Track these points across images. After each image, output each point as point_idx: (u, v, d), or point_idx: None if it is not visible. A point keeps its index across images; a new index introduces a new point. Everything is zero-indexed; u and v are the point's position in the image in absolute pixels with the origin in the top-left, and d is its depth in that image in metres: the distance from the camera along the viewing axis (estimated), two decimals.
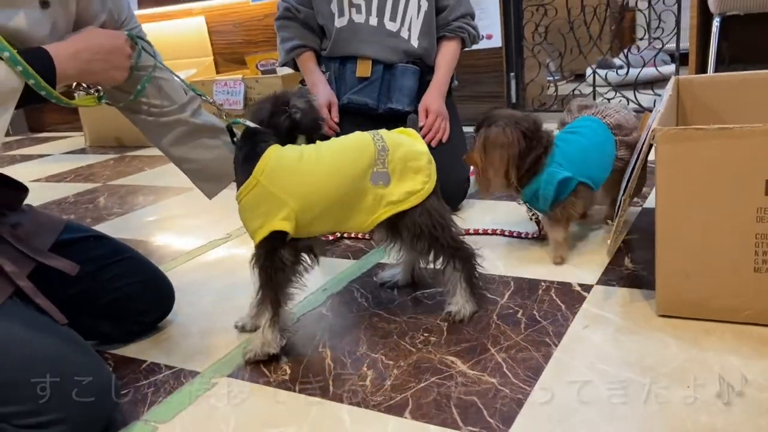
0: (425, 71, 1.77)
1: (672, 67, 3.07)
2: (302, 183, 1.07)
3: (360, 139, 1.13)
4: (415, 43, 1.76)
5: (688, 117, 1.51)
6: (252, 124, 1.10)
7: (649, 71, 2.92)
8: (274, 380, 1.06)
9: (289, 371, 1.08)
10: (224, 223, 1.89)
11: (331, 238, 1.65)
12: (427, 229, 1.13)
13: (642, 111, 2.51)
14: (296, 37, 1.80)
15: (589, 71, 2.99)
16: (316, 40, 1.83)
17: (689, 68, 2.56)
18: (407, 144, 1.14)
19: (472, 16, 1.84)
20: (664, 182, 1.04)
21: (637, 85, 2.79)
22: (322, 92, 1.76)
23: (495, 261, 1.42)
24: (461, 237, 1.20)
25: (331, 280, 1.43)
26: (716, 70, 2.40)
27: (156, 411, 1.02)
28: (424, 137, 1.54)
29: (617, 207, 1.12)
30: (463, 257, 1.18)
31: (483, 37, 2.35)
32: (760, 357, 0.97)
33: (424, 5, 1.74)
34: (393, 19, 1.74)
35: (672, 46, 2.71)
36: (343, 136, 1.15)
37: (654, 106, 2.46)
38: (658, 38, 2.73)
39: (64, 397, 0.88)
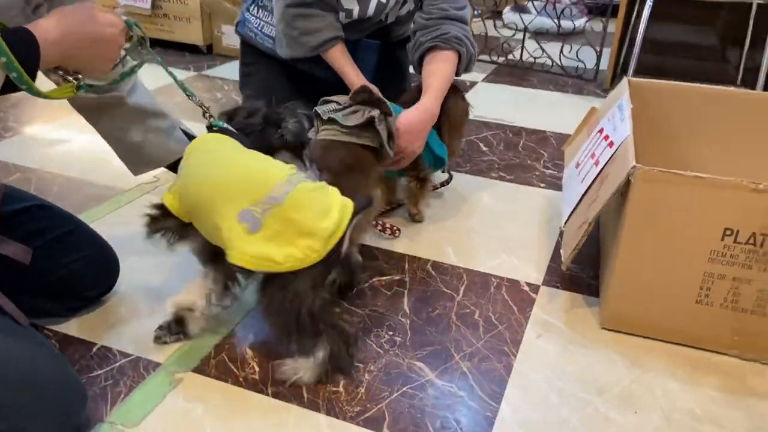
0: (384, 46, 1.70)
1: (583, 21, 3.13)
2: (191, 167, 1.06)
3: (272, 173, 1.02)
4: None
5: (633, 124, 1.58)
6: (233, 130, 1.05)
7: (568, 23, 3.00)
8: (244, 379, 1.05)
9: (257, 369, 1.07)
10: None
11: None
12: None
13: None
14: (324, 28, 1.54)
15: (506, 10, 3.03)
16: (340, 23, 1.58)
17: (617, 21, 2.61)
18: (311, 211, 0.98)
19: (464, 21, 1.56)
20: (633, 213, 1.11)
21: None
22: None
23: (446, 248, 1.45)
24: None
25: None
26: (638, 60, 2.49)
27: (121, 411, 0.98)
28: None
29: (581, 236, 1.17)
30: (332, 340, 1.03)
31: None
32: (694, 383, 1.09)
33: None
34: None
35: None
36: (274, 160, 1.09)
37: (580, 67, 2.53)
38: None
39: (38, 415, 0.83)
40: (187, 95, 1.14)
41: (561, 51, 2.78)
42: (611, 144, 1.29)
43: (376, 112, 1.29)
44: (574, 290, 1.33)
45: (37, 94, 0.84)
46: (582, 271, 1.39)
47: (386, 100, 1.32)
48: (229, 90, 2.50)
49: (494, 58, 2.95)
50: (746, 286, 1.09)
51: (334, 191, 1.03)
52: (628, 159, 1.12)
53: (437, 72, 1.50)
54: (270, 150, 1.14)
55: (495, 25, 3.16)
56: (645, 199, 1.09)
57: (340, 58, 1.57)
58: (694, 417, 1.02)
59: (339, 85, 1.65)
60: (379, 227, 1.47)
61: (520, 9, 3.23)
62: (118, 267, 1.22)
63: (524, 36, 2.86)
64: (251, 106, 1.19)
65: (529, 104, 2.48)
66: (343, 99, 1.34)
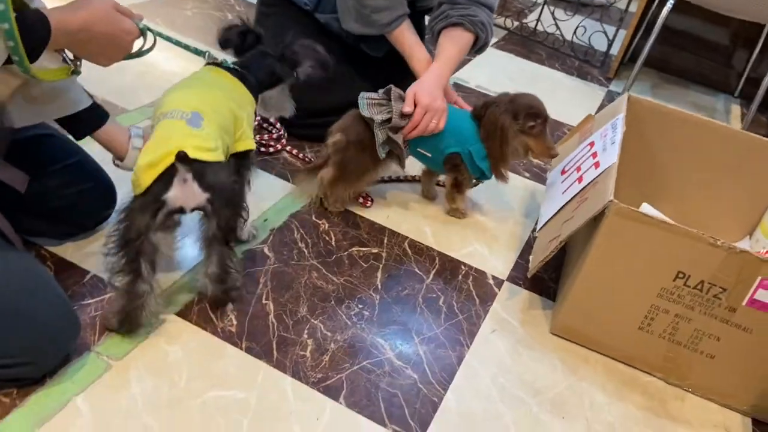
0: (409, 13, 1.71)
1: None
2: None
3: (191, 101, 1.10)
4: None
5: (624, 140, 1.65)
6: (239, 69, 1.20)
7: None
8: (221, 330, 1.15)
9: (235, 322, 1.17)
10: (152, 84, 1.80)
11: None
12: None
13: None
14: (393, 5, 1.52)
15: None
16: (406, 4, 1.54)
17: (639, 2, 2.60)
18: (150, 144, 1.03)
19: (493, 8, 1.61)
20: (602, 242, 1.20)
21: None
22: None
23: (424, 228, 1.54)
24: None
25: (272, 209, 1.48)
26: (650, 49, 2.52)
27: (108, 344, 1.07)
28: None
29: (550, 251, 1.26)
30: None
31: None
32: (620, 399, 1.22)
33: None
34: None
35: None
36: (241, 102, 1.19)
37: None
38: None
39: (32, 338, 0.91)
40: (197, 54, 1.20)
41: (575, 30, 2.78)
42: (597, 164, 1.37)
43: (381, 117, 1.38)
44: (534, 290, 1.43)
45: (28, 72, 0.89)
46: (545, 272, 1.49)
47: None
48: (241, 11, 2.49)
49: (508, 24, 2.94)
50: (685, 323, 1.21)
51: (194, 137, 1.03)
52: (607, 190, 1.20)
53: (454, 44, 1.56)
54: (279, 81, 1.27)
55: None
56: (615, 232, 1.18)
57: (408, 37, 1.57)
58: (612, 430, 1.15)
59: (354, 44, 1.68)
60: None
61: None
62: (116, 199, 1.28)
63: (543, 5, 2.85)
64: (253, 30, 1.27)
65: (530, 81, 2.52)
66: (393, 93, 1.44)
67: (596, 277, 1.24)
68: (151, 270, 1.03)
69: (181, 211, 1.03)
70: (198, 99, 1.10)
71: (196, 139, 1.02)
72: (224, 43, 1.25)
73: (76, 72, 1.04)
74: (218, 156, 1.04)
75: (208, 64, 1.22)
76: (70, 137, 1.22)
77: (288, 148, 1.67)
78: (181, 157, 0.97)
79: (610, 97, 2.53)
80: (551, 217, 1.41)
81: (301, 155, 1.69)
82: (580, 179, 1.39)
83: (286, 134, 1.72)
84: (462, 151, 1.46)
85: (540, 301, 1.41)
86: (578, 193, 1.35)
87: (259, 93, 1.26)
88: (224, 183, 1.05)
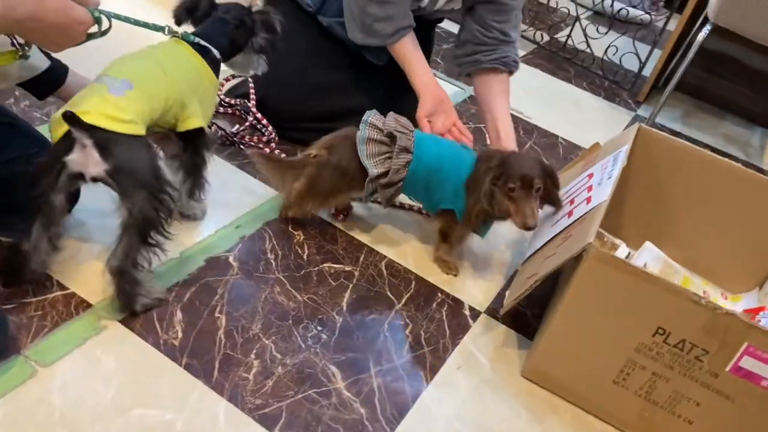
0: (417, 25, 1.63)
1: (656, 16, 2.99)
2: None
3: (137, 69, 1.11)
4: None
5: (630, 171, 1.54)
6: (204, 43, 1.20)
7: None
8: (164, 342, 1.10)
9: (180, 335, 1.12)
10: None
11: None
12: None
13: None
14: (397, 16, 1.46)
15: None
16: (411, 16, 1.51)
17: (678, 21, 2.45)
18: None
19: (517, 41, 1.63)
20: (579, 285, 1.11)
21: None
22: (432, 87, 1.52)
23: (406, 248, 1.46)
24: None
25: (247, 215, 1.43)
26: (684, 72, 2.38)
27: (39, 348, 1.03)
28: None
29: (525, 288, 1.18)
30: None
31: None
32: None
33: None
34: None
35: None
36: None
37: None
38: None
39: None
40: (157, 30, 1.17)
41: (606, 49, 2.66)
42: (589, 200, 1.27)
43: (377, 171, 1.31)
44: (512, 326, 1.35)
45: None
46: (528, 308, 1.40)
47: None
48: None
49: (538, 38, 2.83)
50: (663, 383, 1.11)
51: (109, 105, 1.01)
52: (589, 231, 1.11)
53: (500, 94, 1.60)
54: (238, 50, 1.29)
55: None
56: (592, 277, 1.09)
57: (411, 51, 1.51)
58: None
59: (356, 50, 1.62)
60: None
61: None
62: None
63: (576, 20, 2.72)
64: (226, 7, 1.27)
65: (554, 99, 2.42)
66: (394, 125, 1.35)
67: (572, 322, 1.15)
68: (42, 231, 1.03)
69: (82, 177, 1.00)
70: (135, 69, 1.09)
71: (109, 107, 0.99)
72: (178, 17, 1.24)
73: (24, 56, 1.02)
74: (133, 129, 1.01)
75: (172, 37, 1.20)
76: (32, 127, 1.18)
77: (277, 151, 1.61)
78: (69, 117, 0.95)
79: (637, 122, 2.41)
80: (536, 251, 1.32)
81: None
82: (570, 213, 1.30)
83: (276, 137, 1.66)
84: (457, 208, 1.33)
85: (516, 339, 1.32)
86: (565, 228, 1.26)
87: (221, 63, 1.26)
88: (135, 159, 1.00)
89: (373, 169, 1.31)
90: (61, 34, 0.96)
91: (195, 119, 1.18)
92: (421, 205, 1.52)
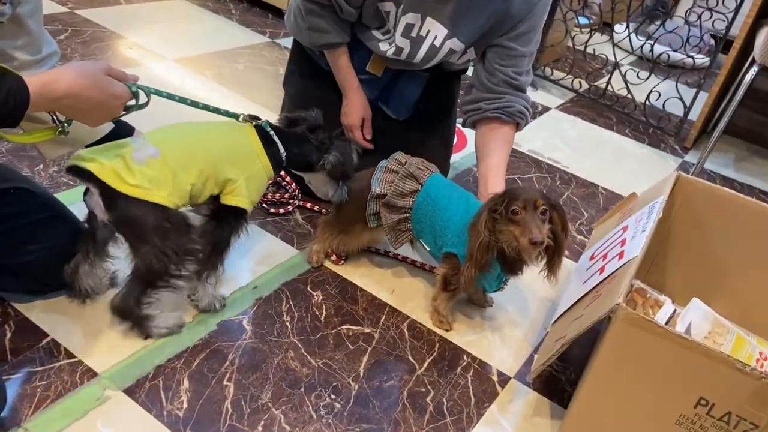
0: (434, 77, 1.61)
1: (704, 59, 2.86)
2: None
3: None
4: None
5: (672, 222, 1.45)
6: (272, 133, 1.22)
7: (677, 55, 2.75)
8: (167, 414, 1.05)
9: (185, 405, 1.07)
10: None
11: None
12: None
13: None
14: (333, 32, 1.48)
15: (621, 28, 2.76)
16: (349, 35, 1.52)
17: (725, 63, 2.34)
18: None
19: (525, 91, 1.49)
20: (608, 351, 1.02)
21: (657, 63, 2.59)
22: (355, 105, 1.56)
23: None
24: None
25: (265, 275, 1.39)
26: (734, 115, 2.27)
27: (38, 420, 1.00)
28: None
29: (551, 354, 1.09)
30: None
31: None
32: None
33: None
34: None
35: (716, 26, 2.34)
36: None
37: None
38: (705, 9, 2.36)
39: None
40: (229, 116, 1.21)
41: (648, 94, 2.57)
42: (621, 255, 1.19)
43: (379, 189, 1.33)
44: (544, 392, 1.25)
45: (8, 139, 0.86)
46: (562, 372, 1.30)
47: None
48: None
49: (576, 86, 2.77)
50: None
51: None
52: (618, 290, 1.02)
53: (500, 152, 1.45)
54: (309, 167, 1.29)
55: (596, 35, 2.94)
56: (623, 342, 0.99)
57: (338, 60, 1.53)
58: None
59: (374, 103, 1.59)
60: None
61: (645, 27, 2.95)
62: None
63: (615, 67, 2.65)
64: (312, 120, 1.29)
65: (593, 148, 2.33)
66: (418, 162, 1.35)
67: (603, 391, 1.05)
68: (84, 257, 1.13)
69: (96, 217, 1.08)
70: (171, 140, 1.12)
71: (122, 168, 1.03)
72: (281, 120, 1.31)
73: (63, 133, 1.03)
74: (138, 193, 1.04)
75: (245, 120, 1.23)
76: (46, 191, 1.19)
77: (302, 201, 1.59)
78: (70, 169, 1.04)
79: (684, 170, 2.29)
80: (565, 311, 1.23)
81: (316, 207, 1.61)
82: (601, 270, 1.21)
83: (300, 194, 1.64)
84: (459, 252, 1.25)
85: (549, 407, 1.22)
86: (596, 286, 1.17)
87: (283, 165, 1.25)
88: (137, 217, 1.05)
89: (376, 187, 1.31)
90: (99, 109, 0.98)
91: (239, 198, 1.17)
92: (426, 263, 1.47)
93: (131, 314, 1.13)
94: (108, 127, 1.24)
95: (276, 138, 1.23)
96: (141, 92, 1.07)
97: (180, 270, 1.10)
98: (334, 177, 1.31)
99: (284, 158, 1.24)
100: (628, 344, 0.99)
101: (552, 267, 1.22)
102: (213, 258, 1.20)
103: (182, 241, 1.09)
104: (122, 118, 1.22)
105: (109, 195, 1.04)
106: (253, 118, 1.23)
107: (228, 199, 1.17)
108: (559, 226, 1.19)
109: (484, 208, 1.18)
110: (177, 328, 1.19)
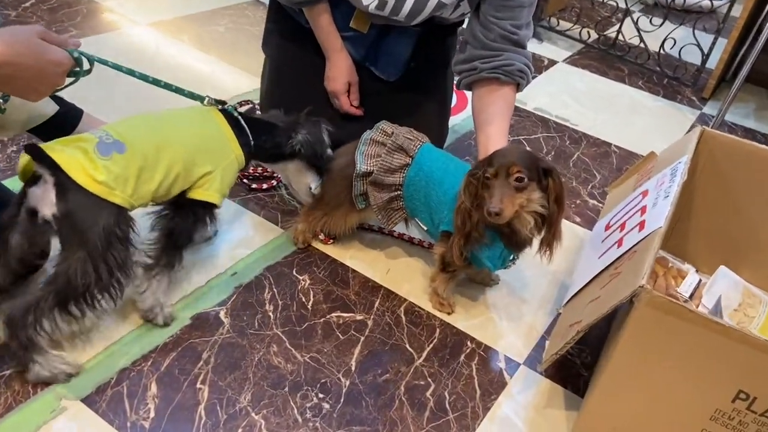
0: (426, 32, 1.43)
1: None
2: None
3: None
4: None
5: (696, 182, 1.30)
6: (242, 122, 1.10)
7: None
8: (132, 425, 0.93)
9: (152, 414, 0.95)
10: None
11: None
12: None
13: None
14: None
15: None
16: None
17: (745, 4, 2.15)
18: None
19: (525, 47, 1.29)
20: (630, 341, 0.88)
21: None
22: (340, 68, 1.39)
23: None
24: None
25: (245, 259, 1.26)
26: (755, 61, 2.08)
27: None
28: None
29: (566, 341, 0.95)
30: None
31: None
32: None
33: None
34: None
35: None
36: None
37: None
38: None
39: None
40: (194, 98, 1.08)
41: (663, 42, 2.38)
42: (642, 225, 1.04)
43: (365, 168, 1.18)
44: (557, 380, 1.12)
45: None
46: (578, 354, 1.17)
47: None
48: None
49: (584, 36, 2.58)
50: None
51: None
52: (641, 270, 0.88)
53: (501, 118, 1.25)
54: (281, 157, 1.17)
55: None
56: (647, 328, 0.86)
57: (318, 19, 1.36)
58: None
59: (361, 63, 1.44)
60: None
61: None
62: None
63: (626, 13, 2.46)
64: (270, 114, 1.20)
65: (604, 103, 2.16)
66: (406, 132, 1.21)
67: (625, 382, 0.92)
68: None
69: (35, 214, 0.92)
70: (137, 133, 0.99)
71: (87, 162, 0.91)
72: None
73: (0, 111, 0.93)
74: (102, 192, 0.91)
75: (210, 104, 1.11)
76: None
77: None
78: (30, 148, 0.89)
79: (703, 123, 2.13)
80: (579, 290, 1.09)
81: None
82: (619, 243, 1.07)
83: None
84: None
85: (563, 396, 1.10)
86: (614, 262, 1.03)
87: (253, 154, 1.13)
88: (88, 217, 0.91)
89: (362, 165, 1.16)
90: (38, 79, 0.86)
91: (209, 192, 1.05)
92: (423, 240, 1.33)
93: (19, 335, 0.91)
94: (52, 108, 1.11)
95: (244, 124, 1.10)
96: (84, 60, 0.93)
97: (103, 292, 0.93)
98: (310, 162, 1.17)
99: (252, 142, 1.11)
100: (653, 331, 0.85)
101: (545, 241, 1.08)
102: (168, 252, 1.05)
103: (124, 256, 0.94)
104: (71, 101, 1.09)
105: (64, 185, 0.90)
106: (219, 102, 1.10)
107: (197, 194, 1.05)
108: (553, 195, 1.04)
109: (467, 174, 1.05)
110: (63, 377, 0.96)
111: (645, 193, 1.17)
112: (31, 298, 0.91)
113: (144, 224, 1.04)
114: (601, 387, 0.94)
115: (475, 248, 1.07)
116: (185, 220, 1.05)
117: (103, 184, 0.91)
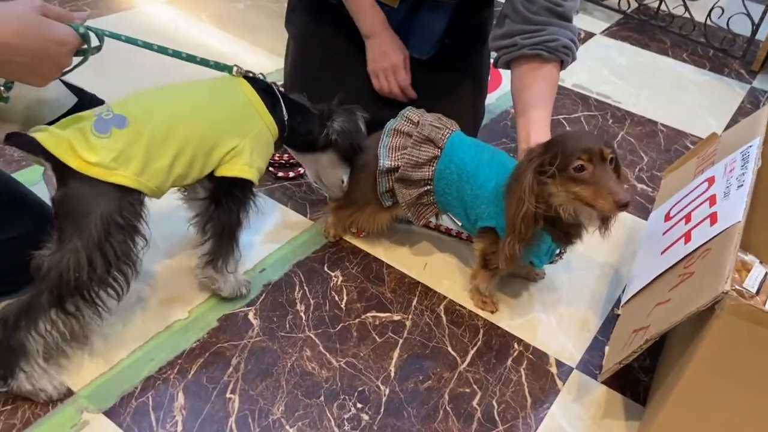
0: (461, 4, 1.32)
1: None
2: None
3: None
4: None
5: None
6: (276, 91, 1.01)
7: None
8: None
9: (180, 427, 0.88)
10: None
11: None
12: None
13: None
14: None
15: None
16: None
17: None
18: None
19: (571, 20, 1.17)
20: (709, 352, 0.79)
21: None
22: (392, 43, 1.29)
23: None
24: None
25: (273, 255, 1.18)
26: None
27: None
28: None
29: (633, 350, 0.86)
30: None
31: None
32: None
33: None
34: None
35: None
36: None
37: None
38: None
39: None
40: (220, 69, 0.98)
41: (710, 11, 2.23)
42: (713, 218, 0.94)
43: (389, 163, 1.09)
44: (615, 386, 1.03)
45: None
46: (636, 360, 1.07)
47: None
48: None
49: (623, 6, 2.44)
50: None
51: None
52: (723, 272, 0.78)
53: (544, 100, 1.14)
54: (314, 146, 1.08)
55: None
56: (730, 339, 0.76)
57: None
58: None
59: None
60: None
61: None
62: None
63: None
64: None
65: (648, 78, 2.04)
66: (433, 120, 1.10)
67: (702, 395, 0.82)
68: None
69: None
70: (144, 105, 0.89)
71: (77, 139, 0.82)
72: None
73: (2, 100, 0.83)
74: (98, 173, 0.82)
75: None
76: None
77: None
78: (9, 137, 0.82)
79: (754, 98, 1.99)
80: (641, 289, 0.99)
81: None
82: (687, 237, 0.97)
83: None
84: (499, 225, 1.02)
85: (623, 404, 1.01)
86: (682, 260, 0.93)
87: (286, 138, 1.04)
88: (86, 203, 0.82)
89: (385, 160, 1.07)
90: (40, 61, 0.77)
91: (239, 166, 0.94)
92: (461, 231, 1.24)
93: (10, 337, 0.83)
94: (70, 100, 1.02)
95: (277, 98, 1.00)
96: (93, 36, 0.83)
97: (102, 287, 0.84)
98: (346, 154, 1.08)
99: (286, 120, 1.00)
100: (739, 343, 0.76)
101: (607, 222, 0.98)
102: (224, 243, 0.99)
103: (125, 247, 0.85)
104: (90, 91, 1.00)
105: (62, 170, 0.82)
106: (248, 73, 1.00)
107: (225, 170, 0.94)
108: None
109: (524, 168, 0.93)
110: (42, 396, 0.87)
111: (711, 180, 1.06)
112: (27, 297, 0.83)
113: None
114: (674, 402, 0.85)
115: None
116: (230, 208, 0.96)
117: (98, 165, 0.82)
